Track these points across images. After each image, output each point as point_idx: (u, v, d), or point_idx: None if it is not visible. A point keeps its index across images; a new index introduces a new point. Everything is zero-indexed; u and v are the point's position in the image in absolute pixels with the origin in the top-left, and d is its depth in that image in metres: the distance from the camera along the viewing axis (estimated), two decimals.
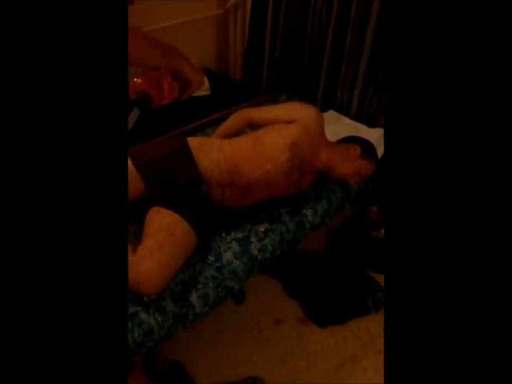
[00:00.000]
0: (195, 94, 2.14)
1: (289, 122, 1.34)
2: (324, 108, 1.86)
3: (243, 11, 2.13)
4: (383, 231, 1.87)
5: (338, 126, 1.77)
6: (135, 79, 0.87)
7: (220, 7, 2.16)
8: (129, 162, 1.24)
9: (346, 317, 1.55)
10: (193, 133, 1.74)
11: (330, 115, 1.86)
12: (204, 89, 2.11)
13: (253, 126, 1.44)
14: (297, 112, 1.37)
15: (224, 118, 1.53)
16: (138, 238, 1.18)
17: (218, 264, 1.18)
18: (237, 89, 2.19)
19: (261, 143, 1.31)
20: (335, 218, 1.69)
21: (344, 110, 1.88)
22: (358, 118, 1.84)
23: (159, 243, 1.10)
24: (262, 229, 1.30)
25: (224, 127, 1.48)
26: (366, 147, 1.43)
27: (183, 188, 1.25)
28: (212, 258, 1.20)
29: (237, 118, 1.46)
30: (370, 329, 1.52)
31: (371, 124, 1.79)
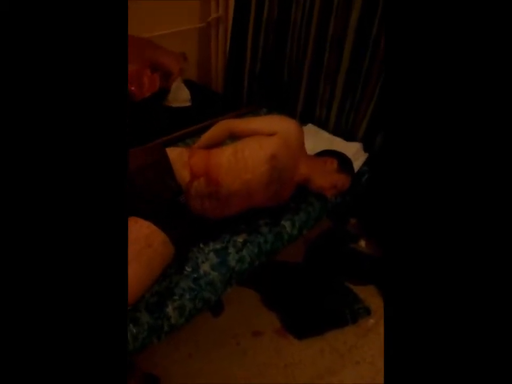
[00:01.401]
0: (176, 105, 2.16)
1: (270, 134, 1.36)
2: (303, 122, 1.90)
3: (225, 25, 2.17)
4: (361, 243, 1.90)
5: (316, 139, 1.81)
6: None
7: (202, 20, 2.19)
8: None
9: (324, 329, 1.55)
10: (174, 143, 1.75)
11: (309, 128, 1.89)
12: (185, 101, 2.13)
13: (234, 137, 1.46)
14: (278, 124, 1.39)
15: (205, 129, 1.53)
16: None
17: (195, 275, 1.18)
18: (218, 101, 2.21)
19: (241, 154, 1.32)
20: (314, 230, 1.71)
21: (322, 124, 1.92)
22: (335, 132, 1.88)
23: (135, 254, 1.09)
24: (241, 240, 1.30)
25: (205, 137, 1.48)
26: (343, 161, 1.46)
27: (161, 198, 1.25)
28: (189, 269, 1.20)
29: (218, 128, 1.47)
30: (348, 340, 1.53)
31: (348, 138, 1.83)
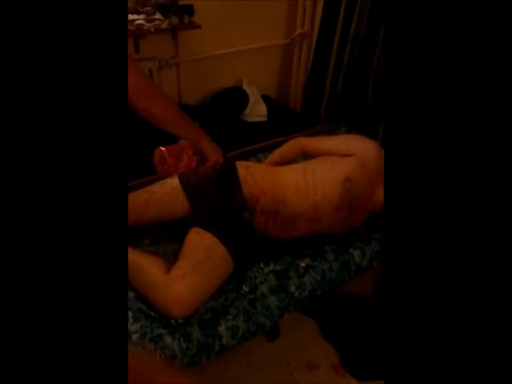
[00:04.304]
0: (252, 120, 2.17)
1: (346, 155, 1.27)
2: (384, 145, 1.77)
3: (309, 41, 2.13)
4: None
5: None
6: (161, 147, 1.01)
7: (287, 36, 2.18)
8: (177, 181, 1.25)
9: None
10: (246, 157, 1.73)
11: None
12: (262, 116, 2.12)
13: (307, 155, 1.39)
14: (357, 145, 1.29)
15: (278, 145, 1.50)
16: (175, 257, 1.16)
17: (252, 296, 1.12)
18: (295, 118, 2.17)
19: (312, 174, 1.25)
20: None
21: None
22: None
23: (193, 266, 1.07)
24: (303, 265, 1.22)
25: (277, 154, 1.44)
26: None
27: (226, 211, 1.23)
28: (246, 288, 1.14)
29: (292, 145, 1.42)
30: None
31: None
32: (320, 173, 1.24)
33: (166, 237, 1.28)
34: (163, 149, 1.00)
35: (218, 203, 1.24)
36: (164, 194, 1.24)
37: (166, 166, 1.00)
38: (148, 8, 1.50)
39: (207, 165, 1.06)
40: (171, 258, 1.19)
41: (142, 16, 1.50)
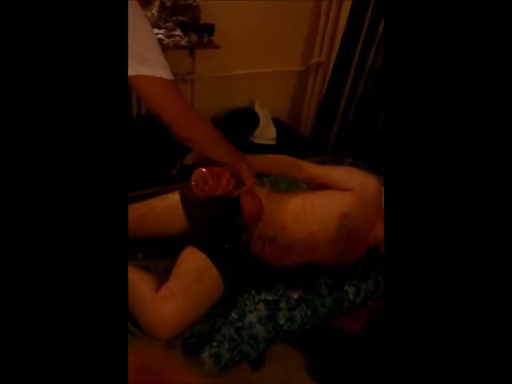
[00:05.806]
0: (261, 142, 2.17)
1: (346, 189, 1.25)
2: None
3: (325, 70, 2.15)
4: None
5: None
6: (201, 168, 1.00)
7: (303, 64, 2.20)
8: (178, 197, 1.24)
9: None
10: None
11: None
12: (270, 139, 2.13)
13: (304, 181, 1.38)
14: (357, 181, 1.27)
15: None
16: (167, 275, 1.14)
17: (239, 324, 1.10)
18: (303, 144, 2.17)
19: (312, 204, 1.23)
20: (382, 301, 1.53)
21: None
22: None
23: (184, 287, 1.05)
24: (295, 297, 1.20)
25: (267, 157, 1.39)
26: None
27: (223, 233, 1.21)
28: (234, 315, 1.12)
29: (287, 158, 1.36)
30: None
31: None
32: (319, 205, 1.23)
33: (159, 253, 1.26)
34: (204, 170, 0.99)
35: (215, 224, 1.22)
36: (163, 209, 1.23)
37: (206, 188, 0.98)
38: (168, 24, 1.52)
39: (243, 188, 1.05)
40: (162, 276, 1.17)
41: (162, 31, 1.52)
